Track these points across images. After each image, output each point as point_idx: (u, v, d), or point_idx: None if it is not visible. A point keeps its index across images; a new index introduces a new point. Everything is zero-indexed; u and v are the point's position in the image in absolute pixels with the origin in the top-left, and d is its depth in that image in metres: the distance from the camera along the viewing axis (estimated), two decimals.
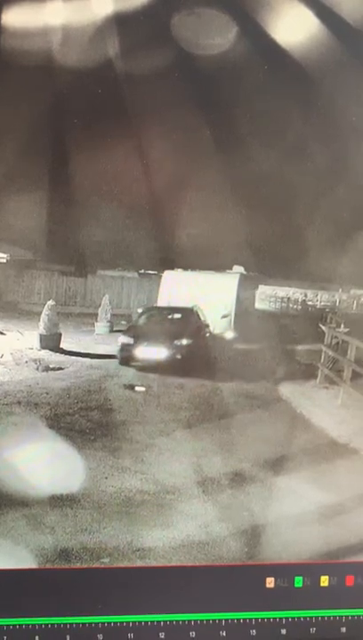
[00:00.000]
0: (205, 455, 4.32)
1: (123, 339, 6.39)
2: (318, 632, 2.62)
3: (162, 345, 6.22)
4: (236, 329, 6.77)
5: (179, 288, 6.82)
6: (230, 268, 7.04)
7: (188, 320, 6.70)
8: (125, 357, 6.22)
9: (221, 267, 6.90)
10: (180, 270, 6.84)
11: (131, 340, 6.31)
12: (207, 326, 6.74)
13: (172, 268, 6.78)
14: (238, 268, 6.97)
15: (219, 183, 4.37)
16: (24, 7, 3.12)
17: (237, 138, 4.12)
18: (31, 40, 3.27)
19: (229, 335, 6.74)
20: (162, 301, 6.94)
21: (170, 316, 6.79)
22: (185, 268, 6.80)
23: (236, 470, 4.09)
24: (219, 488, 3.91)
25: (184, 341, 6.32)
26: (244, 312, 6.98)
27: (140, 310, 6.93)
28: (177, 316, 6.78)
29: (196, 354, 6.23)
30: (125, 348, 6.28)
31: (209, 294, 6.84)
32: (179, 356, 6.18)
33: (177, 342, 6.27)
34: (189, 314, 6.77)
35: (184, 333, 6.40)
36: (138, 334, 6.40)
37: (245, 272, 6.95)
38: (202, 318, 6.75)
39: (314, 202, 4.55)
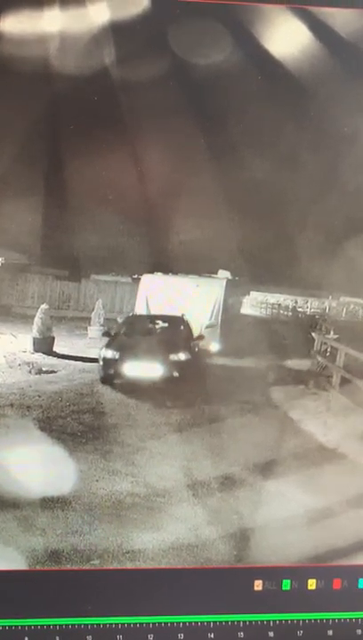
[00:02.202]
0: (195, 459, 4.34)
1: (106, 353, 5.44)
2: (306, 635, 2.66)
3: (155, 360, 5.32)
4: (222, 340, 6.00)
5: (158, 294, 6.03)
6: (216, 273, 6.28)
7: (179, 331, 5.82)
8: (110, 375, 5.32)
9: (213, 272, 6.28)
10: (159, 274, 6.04)
11: (116, 355, 5.37)
12: (202, 337, 5.89)
13: (167, 273, 6.06)
14: (224, 273, 6.21)
15: (213, 190, 4.42)
16: (20, 14, 3.16)
17: (231, 146, 4.17)
18: (27, 47, 3.31)
19: (215, 347, 5.94)
20: (139, 309, 6.10)
21: (158, 327, 5.86)
22: (165, 272, 6.01)
23: (226, 474, 4.12)
24: (209, 491, 3.94)
25: (182, 356, 5.42)
26: (231, 321, 6.26)
27: (120, 319, 6.06)
28: (166, 325, 5.87)
29: (194, 371, 5.39)
30: (109, 364, 5.36)
31: (193, 301, 6.06)
32: (176, 374, 5.28)
33: (173, 357, 5.37)
34: (179, 323, 5.88)
35: (179, 347, 5.51)
36: (124, 347, 5.45)
37: (231, 277, 6.22)
38: (192, 329, 5.94)
39: (305, 210, 4.60)
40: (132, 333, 5.78)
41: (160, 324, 5.90)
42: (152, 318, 5.98)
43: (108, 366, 5.39)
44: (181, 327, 5.87)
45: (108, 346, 5.55)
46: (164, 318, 5.93)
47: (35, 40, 3.31)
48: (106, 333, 5.93)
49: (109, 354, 5.44)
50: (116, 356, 5.40)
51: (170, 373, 5.29)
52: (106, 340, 5.79)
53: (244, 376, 5.59)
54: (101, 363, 5.46)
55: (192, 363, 5.46)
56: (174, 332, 5.81)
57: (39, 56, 3.42)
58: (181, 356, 5.42)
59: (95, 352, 6.01)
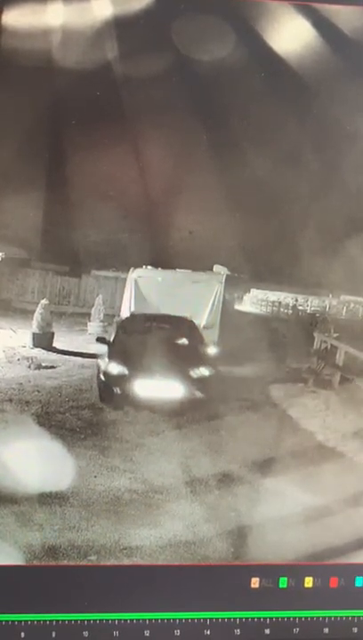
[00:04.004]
0: (193, 456, 4.35)
1: (110, 367, 4.35)
2: (302, 633, 2.68)
3: (173, 377, 4.26)
4: (221, 343, 5.16)
5: (150, 291, 5.33)
6: (211, 269, 5.58)
7: (191, 336, 4.73)
8: (115, 395, 4.24)
9: (208, 269, 5.68)
10: (150, 268, 5.25)
11: (124, 370, 4.27)
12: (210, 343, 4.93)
13: (163, 268, 5.35)
14: (220, 268, 5.50)
15: (214, 187, 4.41)
16: (22, 8, 3.15)
17: (233, 143, 4.16)
18: (29, 41, 3.31)
19: (212, 351, 5.06)
20: (126, 308, 5.30)
21: (167, 331, 4.72)
22: (159, 267, 5.22)
23: (224, 471, 4.13)
24: (207, 489, 3.95)
25: (204, 371, 4.37)
26: (230, 321, 5.52)
27: (118, 318, 5.10)
28: (173, 330, 4.77)
29: (217, 391, 4.35)
30: (115, 382, 4.26)
31: (188, 299, 5.29)
32: (200, 395, 4.30)
33: (194, 373, 4.35)
34: (187, 327, 4.81)
35: (198, 358, 4.46)
36: (132, 360, 4.32)
37: (229, 273, 5.55)
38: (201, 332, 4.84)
39: (307, 208, 4.60)
40: (135, 340, 4.67)
41: (165, 327, 4.90)
42: (157, 319, 5.03)
43: (114, 384, 4.35)
44: (191, 331, 4.85)
45: (111, 357, 4.43)
46: (168, 320, 4.98)
47: (37, 34, 3.30)
48: (101, 339, 4.98)
49: (115, 368, 4.39)
50: (125, 371, 4.34)
51: (192, 394, 4.32)
52: (102, 347, 4.85)
53: (244, 380, 5.39)
54: (103, 378, 4.44)
55: (215, 379, 4.45)
56: (186, 338, 4.77)
57: (41, 50, 3.42)
58: (204, 371, 4.35)
59: (95, 348, 5.84)
